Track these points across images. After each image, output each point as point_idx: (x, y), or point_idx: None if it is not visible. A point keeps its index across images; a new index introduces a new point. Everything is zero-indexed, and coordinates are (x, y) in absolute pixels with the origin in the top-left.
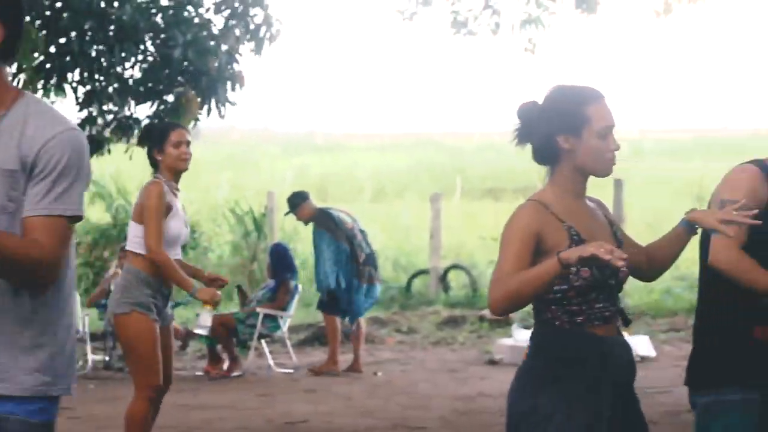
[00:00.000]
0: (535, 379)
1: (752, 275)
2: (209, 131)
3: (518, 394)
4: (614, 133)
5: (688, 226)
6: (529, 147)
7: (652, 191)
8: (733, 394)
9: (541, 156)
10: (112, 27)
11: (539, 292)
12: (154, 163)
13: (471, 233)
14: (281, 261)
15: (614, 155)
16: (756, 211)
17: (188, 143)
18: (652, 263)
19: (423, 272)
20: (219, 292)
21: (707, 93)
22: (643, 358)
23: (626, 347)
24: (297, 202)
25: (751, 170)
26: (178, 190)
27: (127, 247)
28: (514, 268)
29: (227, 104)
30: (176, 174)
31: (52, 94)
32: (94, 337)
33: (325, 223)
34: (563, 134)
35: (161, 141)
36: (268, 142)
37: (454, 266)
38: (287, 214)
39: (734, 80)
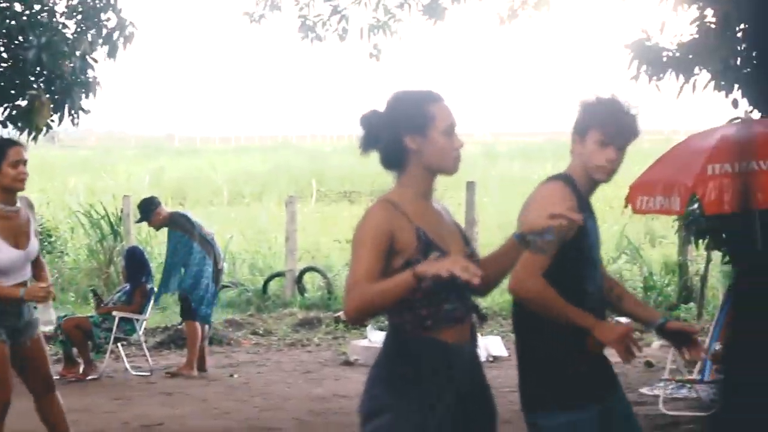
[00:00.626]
0: (381, 385)
1: (554, 304)
2: (66, 135)
3: (365, 396)
4: (466, 137)
5: (519, 239)
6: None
7: (505, 193)
8: (562, 416)
9: (389, 160)
10: None
11: (393, 303)
12: None
13: (327, 236)
14: (136, 264)
15: (459, 153)
16: (580, 216)
17: (25, 162)
18: (485, 278)
19: (279, 274)
20: (43, 285)
21: (558, 96)
22: (496, 358)
23: (472, 353)
24: (149, 209)
25: (558, 189)
26: (12, 210)
27: None
28: (367, 275)
29: (81, 112)
30: (11, 193)
31: None
32: None
33: (182, 225)
34: (410, 135)
35: None
36: (125, 145)
37: (310, 268)
38: (139, 221)
39: (584, 83)
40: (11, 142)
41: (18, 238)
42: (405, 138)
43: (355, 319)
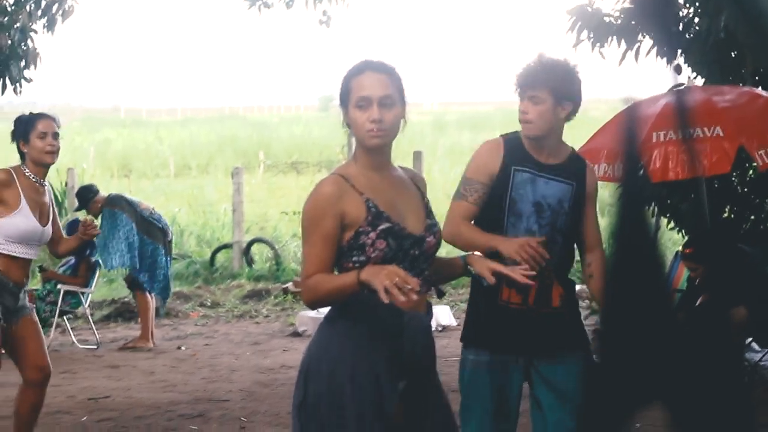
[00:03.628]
0: (329, 339)
1: (469, 238)
2: (10, 107)
3: (313, 348)
4: (415, 106)
5: (464, 263)
6: (331, 119)
7: (454, 163)
8: (469, 354)
9: (344, 122)
10: None
11: (345, 298)
12: (22, 155)
13: (274, 207)
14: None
15: (374, 126)
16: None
17: (55, 135)
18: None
19: (226, 246)
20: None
21: (506, 65)
22: (445, 327)
23: (424, 323)
24: (88, 197)
25: (490, 144)
26: (42, 184)
27: None
28: (319, 266)
29: (23, 81)
30: (41, 167)
31: None
32: None
33: (119, 203)
34: (342, 108)
35: (27, 132)
36: (70, 117)
37: (258, 240)
38: (78, 209)
39: (531, 51)
40: (41, 115)
41: (41, 214)
42: (342, 111)
43: (315, 308)
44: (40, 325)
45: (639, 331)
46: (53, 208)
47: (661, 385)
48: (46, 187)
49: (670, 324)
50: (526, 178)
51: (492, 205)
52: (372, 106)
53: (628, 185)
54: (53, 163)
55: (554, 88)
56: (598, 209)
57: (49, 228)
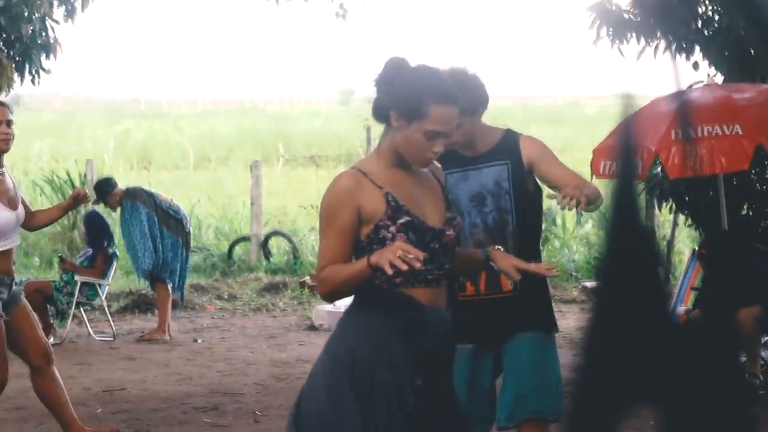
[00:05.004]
0: (351, 329)
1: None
2: (31, 99)
3: (334, 338)
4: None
5: (485, 258)
6: (351, 113)
7: None
8: None
9: (374, 115)
10: None
11: (358, 286)
12: None
13: (293, 200)
14: (96, 229)
15: (432, 157)
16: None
17: (9, 122)
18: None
19: (244, 239)
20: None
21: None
22: None
23: (444, 318)
24: (107, 190)
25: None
26: (1, 172)
27: None
28: (334, 258)
29: (43, 72)
30: None
31: None
32: None
33: (140, 196)
34: (397, 113)
35: None
36: (90, 109)
37: (275, 233)
38: (96, 203)
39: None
40: None
41: (9, 201)
42: (392, 112)
43: (331, 301)
44: (31, 309)
45: (631, 327)
46: (15, 185)
47: (653, 385)
48: (4, 171)
49: (664, 321)
50: (456, 178)
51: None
52: (439, 139)
53: (623, 181)
54: (7, 151)
55: (467, 107)
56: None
57: (21, 210)
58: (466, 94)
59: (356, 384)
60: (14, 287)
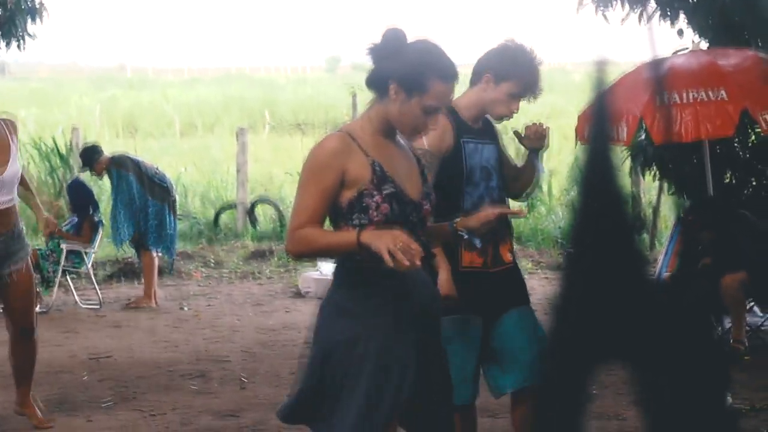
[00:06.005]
0: (337, 312)
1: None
2: (16, 66)
3: (323, 324)
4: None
5: (452, 229)
6: (338, 81)
7: None
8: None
9: (369, 84)
10: None
11: (337, 257)
12: None
13: (279, 167)
14: (80, 196)
15: (426, 131)
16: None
17: None
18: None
19: (230, 206)
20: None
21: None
22: None
23: (427, 283)
24: (93, 157)
25: (442, 118)
26: None
27: None
28: (312, 218)
29: (28, 38)
30: None
31: None
32: None
33: (125, 164)
34: (397, 85)
35: None
36: (76, 77)
37: (262, 200)
38: (83, 169)
39: (541, 16)
40: None
41: None
42: (392, 83)
43: (296, 258)
44: (33, 282)
45: (602, 289)
46: (13, 143)
47: (624, 342)
48: None
49: (637, 283)
50: (472, 147)
51: (451, 177)
52: (434, 114)
53: (596, 144)
54: None
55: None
56: None
57: (11, 170)
58: (538, 83)
59: (352, 359)
60: (12, 243)
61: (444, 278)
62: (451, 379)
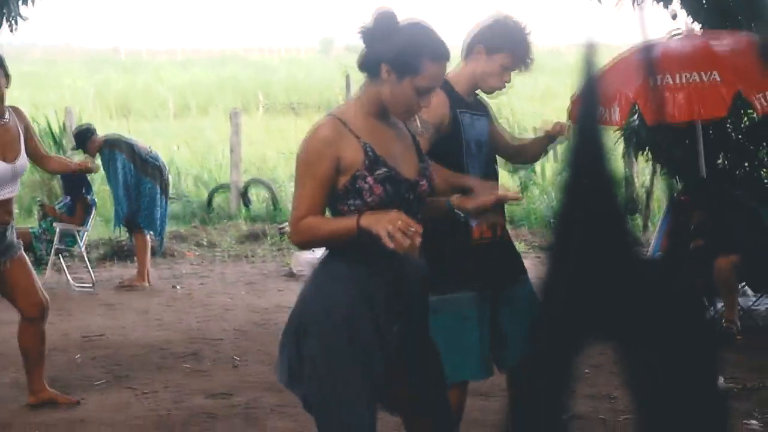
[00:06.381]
0: (327, 278)
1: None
2: (9, 48)
3: (310, 289)
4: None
5: (449, 207)
6: (331, 62)
7: None
8: (448, 296)
9: (361, 66)
10: None
11: (340, 243)
12: None
13: (273, 148)
14: (71, 177)
15: (418, 111)
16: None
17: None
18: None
19: (224, 187)
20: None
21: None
22: None
23: (418, 267)
24: (86, 137)
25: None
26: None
27: None
28: (313, 209)
29: (20, 19)
30: None
31: None
32: None
33: (118, 144)
34: (389, 66)
35: None
36: (70, 58)
37: (255, 181)
38: (75, 149)
39: None
40: None
41: (6, 152)
42: (384, 65)
43: (301, 248)
44: (29, 264)
45: (593, 265)
46: (22, 132)
47: (613, 321)
48: (5, 120)
49: (626, 262)
50: (467, 119)
51: (450, 150)
52: (427, 95)
53: (584, 126)
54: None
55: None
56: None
57: (20, 161)
58: (530, 55)
59: (333, 334)
60: (9, 236)
61: (473, 182)
62: (464, 357)
